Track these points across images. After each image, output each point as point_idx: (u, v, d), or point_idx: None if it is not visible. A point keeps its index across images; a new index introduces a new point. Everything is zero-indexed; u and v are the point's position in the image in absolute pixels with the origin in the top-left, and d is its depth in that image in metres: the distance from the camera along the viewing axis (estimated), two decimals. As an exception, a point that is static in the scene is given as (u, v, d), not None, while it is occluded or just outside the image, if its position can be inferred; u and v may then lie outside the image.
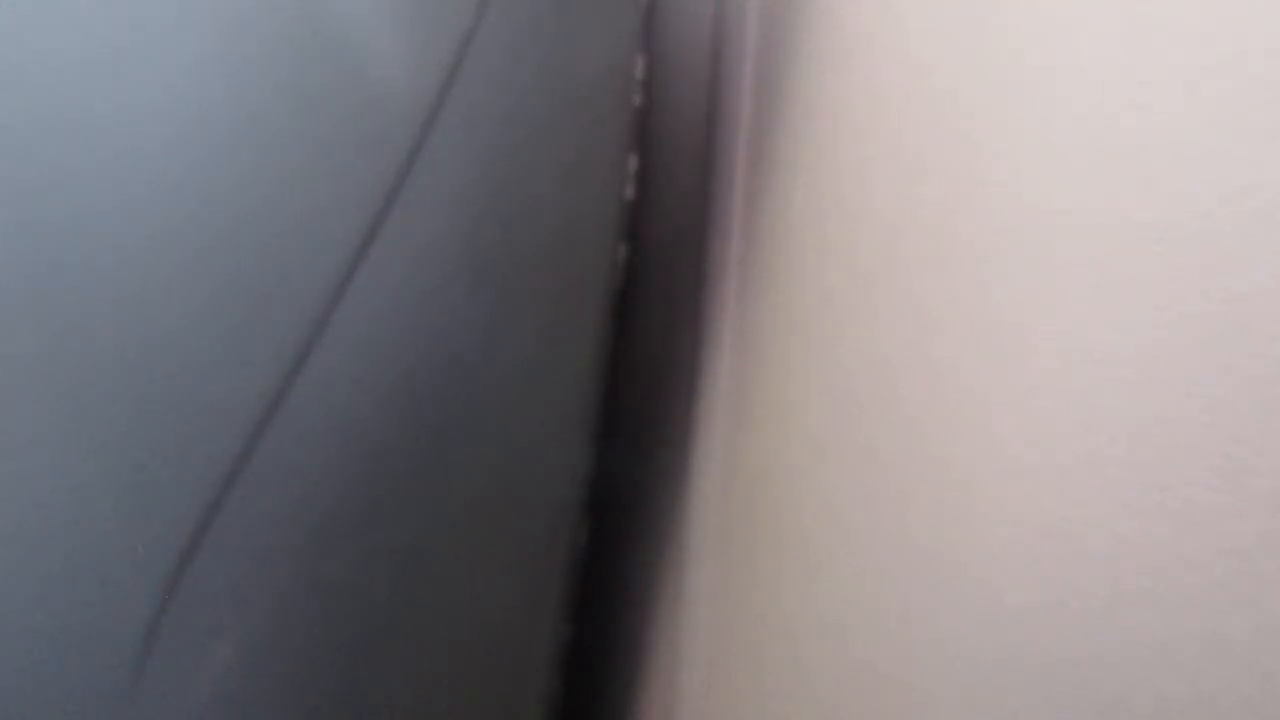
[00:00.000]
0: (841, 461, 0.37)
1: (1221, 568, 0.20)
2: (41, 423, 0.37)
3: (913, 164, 0.36)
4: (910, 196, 0.35)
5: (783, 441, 0.44)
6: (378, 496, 0.42)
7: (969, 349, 0.30)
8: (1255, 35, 0.21)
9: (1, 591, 0.35)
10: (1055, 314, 0.26)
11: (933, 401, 0.31)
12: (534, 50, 0.47)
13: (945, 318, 0.31)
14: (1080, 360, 0.25)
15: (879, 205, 0.38)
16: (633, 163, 0.55)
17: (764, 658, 0.41)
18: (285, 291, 0.40)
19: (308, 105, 0.41)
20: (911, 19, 0.38)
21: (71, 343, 0.37)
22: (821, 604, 0.37)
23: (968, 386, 0.29)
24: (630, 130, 0.54)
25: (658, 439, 0.61)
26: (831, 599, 0.36)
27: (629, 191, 0.55)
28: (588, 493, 0.53)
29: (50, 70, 0.38)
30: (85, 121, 0.38)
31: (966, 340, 0.30)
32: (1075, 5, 0.28)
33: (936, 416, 0.31)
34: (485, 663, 0.48)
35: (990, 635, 0.26)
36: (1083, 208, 0.26)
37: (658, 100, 0.62)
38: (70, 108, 0.38)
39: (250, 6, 0.41)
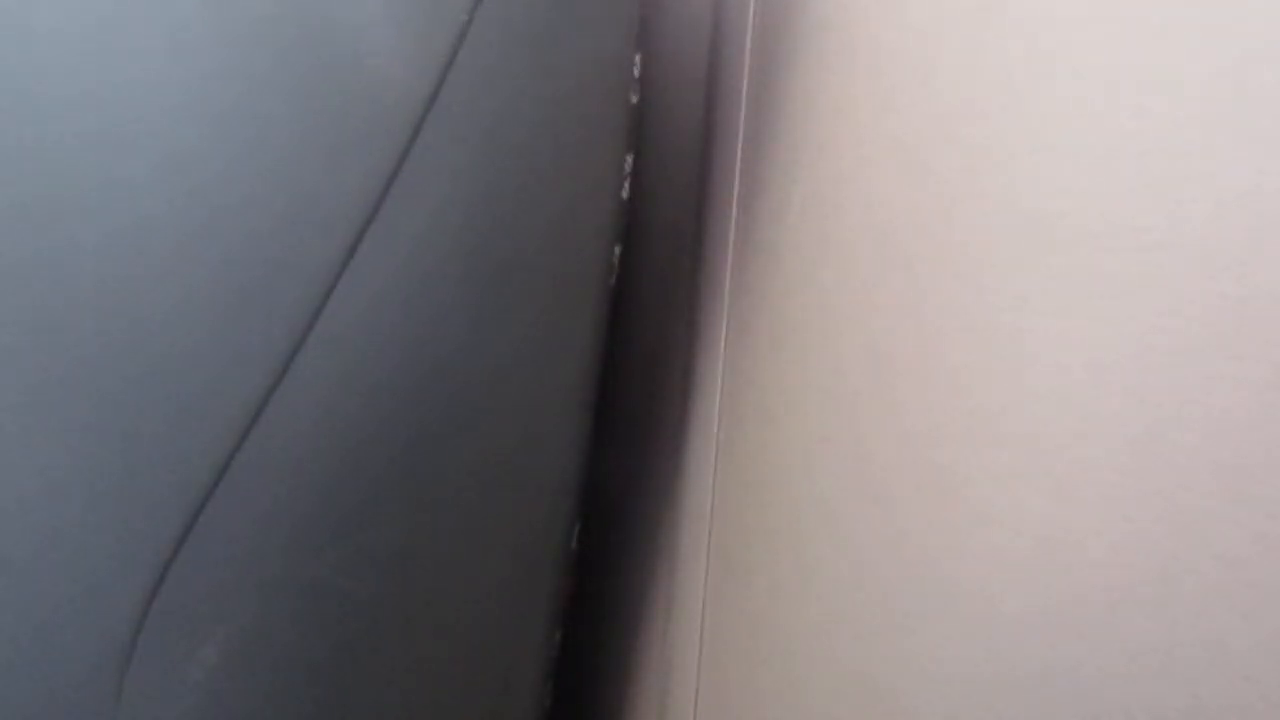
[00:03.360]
0: (834, 465, 0.37)
1: (1219, 574, 0.20)
2: (23, 419, 0.36)
3: (912, 163, 0.36)
4: (908, 196, 0.35)
5: (776, 444, 0.44)
6: (367, 497, 0.42)
7: (966, 352, 0.30)
8: (1257, 39, 0.21)
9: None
10: (1053, 317, 0.26)
11: (928, 405, 0.31)
12: (530, 45, 0.47)
13: (942, 321, 0.31)
14: (1078, 364, 0.25)
15: (877, 203, 0.38)
16: (629, 161, 0.55)
17: (756, 663, 0.41)
18: (275, 286, 0.40)
19: (301, 98, 0.41)
20: (914, 18, 0.38)
21: (57, 338, 0.37)
22: (814, 609, 0.36)
23: (964, 390, 0.29)
24: (627, 128, 0.53)
25: (651, 441, 0.61)
26: (824, 604, 0.36)
27: (625, 189, 0.55)
28: (581, 494, 0.53)
29: (41, 56, 0.37)
30: (76, 111, 0.37)
31: (963, 343, 0.30)
32: (1077, 8, 0.28)
33: (932, 420, 0.31)
34: (475, 667, 0.48)
35: (985, 642, 0.26)
36: (1082, 211, 0.26)
37: (655, 97, 0.62)
38: (61, 95, 0.37)
39: (244, -1, 0.41)
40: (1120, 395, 0.23)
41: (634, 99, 0.54)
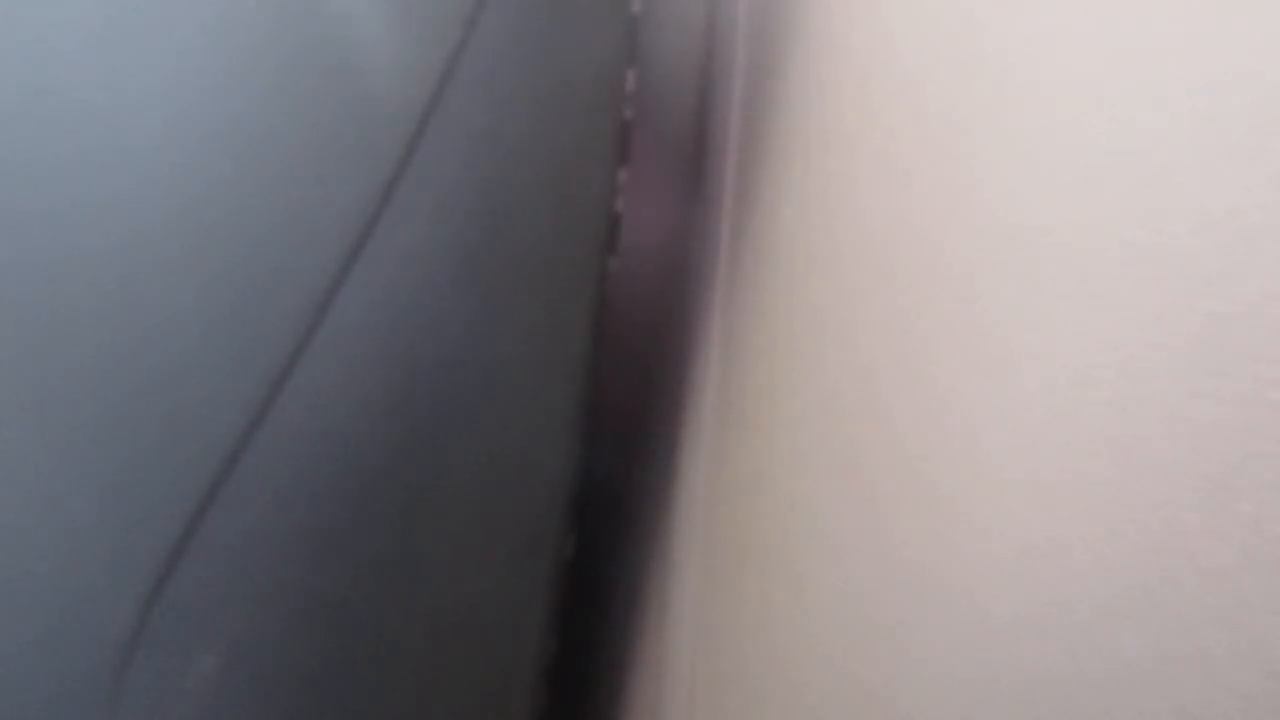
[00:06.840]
0: (826, 473, 0.37)
1: (1202, 586, 0.20)
2: (24, 426, 0.36)
3: (900, 177, 0.36)
4: (897, 210, 0.35)
5: (768, 453, 0.44)
6: (363, 504, 0.42)
7: (954, 363, 0.30)
8: (1242, 56, 0.22)
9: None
10: (1040, 330, 0.26)
11: (918, 415, 0.31)
12: (525, 60, 0.48)
13: (931, 332, 0.31)
14: (1065, 377, 0.25)
15: (866, 217, 0.38)
16: (622, 175, 0.55)
17: (749, 671, 0.41)
18: (274, 294, 0.40)
19: (300, 107, 0.41)
20: (900, 34, 0.38)
21: (58, 345, 0.37)
22: (806, 617, 0.37)
23: (953, 400, 0.30)
24: (620, 142, 0.54)
25: (644, 449, 0.61)
26: (816, 611, 0.36)
27: (618, 203, 0.55)
28: (574, 502, 0.53)
29: (40, 63, 0.37)
30: (76, 116, 0.38)
31: (952, 354, 0.30)
32: (1063, 23, 0.28)
33: (921, 430, 0.31)
34: (471, 671, 0.48)
35: (973, 650, 0.26)
36: (1068, 225, 0.26)
37: (647, 112, 0.62)
38: (62, 100, 0.38)
39: (245, 6, 0.41)
40: (1105, 408, 0.23)
41: (627, 114, 0.55)
